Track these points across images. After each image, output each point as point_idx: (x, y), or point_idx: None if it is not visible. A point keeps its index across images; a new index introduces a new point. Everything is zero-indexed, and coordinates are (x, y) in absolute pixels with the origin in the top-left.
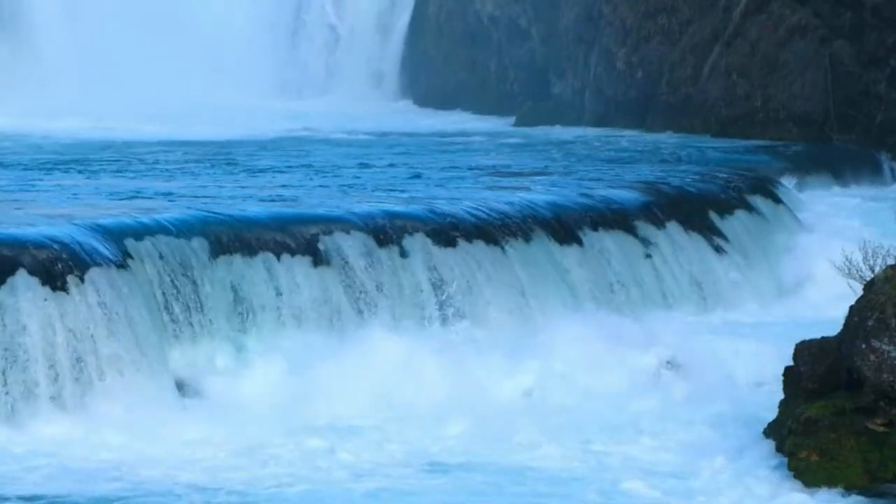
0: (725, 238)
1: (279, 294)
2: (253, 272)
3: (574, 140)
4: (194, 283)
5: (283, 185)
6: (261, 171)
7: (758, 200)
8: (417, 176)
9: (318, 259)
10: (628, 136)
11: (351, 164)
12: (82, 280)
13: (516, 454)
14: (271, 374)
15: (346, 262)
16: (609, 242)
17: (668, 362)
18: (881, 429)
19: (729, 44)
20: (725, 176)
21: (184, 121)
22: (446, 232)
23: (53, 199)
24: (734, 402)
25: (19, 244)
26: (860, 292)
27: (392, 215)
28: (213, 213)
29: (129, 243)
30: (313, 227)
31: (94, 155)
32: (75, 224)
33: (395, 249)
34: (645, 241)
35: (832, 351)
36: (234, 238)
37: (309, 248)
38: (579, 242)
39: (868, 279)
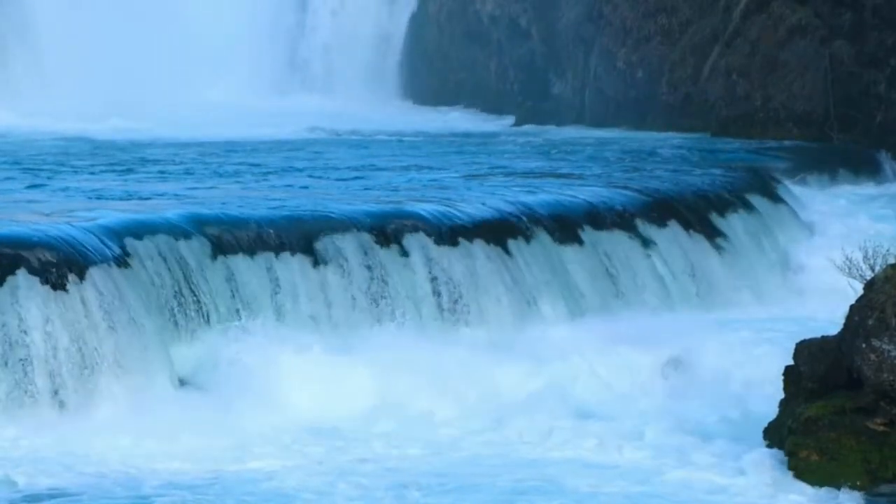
0: (726, 237)
1: (279, 293)
2: (253, 271)
3: (573, 140)
4: (194, 281)
5: (283, 185)
6: (260, 170)
7: (758, 200)
8: (416, 175)
9: (318, 258)
10: (628, 136)
11: (350, 163)
12: (82, 279)
13: (517, 455)
14: (271, 373)
15: (346, 262)
16: (610, 242)
17: (667, 362)
18: (881, 428)
19: (729, 44)
20: (725, 176)
21: (183, 120)
22: (447, 231)
23: (54, 199)
24: (734, 402)
25: (20, 244)
26: (860, 292)
27: (392, 215)
28: (214, 212)
29: (129, 242)
30: (313, 227)
31: (94, 154)
32: (75, 223)
33: (395, 249)
34: (645, 241)
35: (832, 351)
36: (233, 237)
37: (308, 247)
38: (580, 242)
39: (868, 279)
